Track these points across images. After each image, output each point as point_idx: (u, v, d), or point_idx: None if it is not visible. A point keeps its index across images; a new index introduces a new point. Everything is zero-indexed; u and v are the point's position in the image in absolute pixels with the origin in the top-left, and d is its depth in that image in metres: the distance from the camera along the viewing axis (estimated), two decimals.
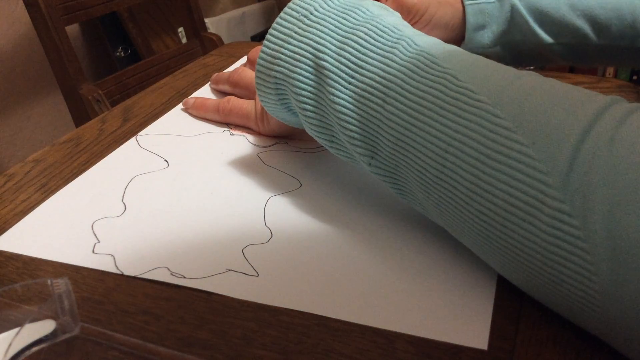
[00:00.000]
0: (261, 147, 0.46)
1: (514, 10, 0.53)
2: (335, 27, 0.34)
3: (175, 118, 0.52)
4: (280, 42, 0.35)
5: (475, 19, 0.54)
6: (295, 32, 0.35)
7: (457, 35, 0.55)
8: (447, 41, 0.56)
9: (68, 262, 0.34)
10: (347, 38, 0.33)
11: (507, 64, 0.57)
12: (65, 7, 1.04)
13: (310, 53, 0.34)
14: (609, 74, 1.77)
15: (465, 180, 0.27)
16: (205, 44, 1.34)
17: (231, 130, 0.49)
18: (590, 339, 0.27)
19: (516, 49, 0.56)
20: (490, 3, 0.54)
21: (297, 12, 0.35)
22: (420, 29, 0.53)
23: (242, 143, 0.47)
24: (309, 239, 0.35)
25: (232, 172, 0.43)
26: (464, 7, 0.54)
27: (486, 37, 0.55)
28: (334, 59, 0.33)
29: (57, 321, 0.28)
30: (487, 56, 0.57)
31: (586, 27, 0.52)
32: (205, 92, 0.58)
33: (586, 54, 0.55)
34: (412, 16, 0.53)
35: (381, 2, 0.57)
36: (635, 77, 1.76)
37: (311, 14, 0.35)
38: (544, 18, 0.53)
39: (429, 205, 0.31)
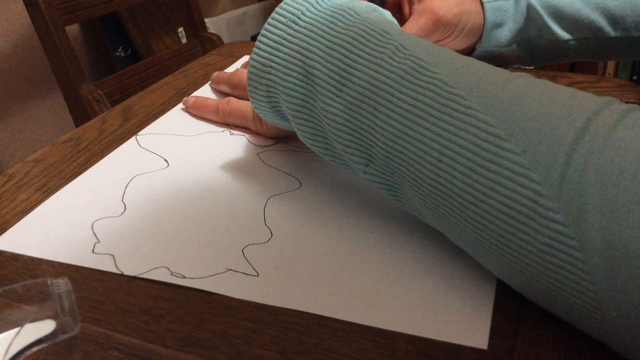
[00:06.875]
0: (261, 147, 0.46)
1: (529, 7, 0.53)
2: (324, 31, 0.33)
3: (175, 118, 0.52)
4: (270, 50, 0.35)
5: (494, 17, 0.53)
6: (285, 39, 0.34)
7: (478, 38, 0.55)
8: (471, 46, 0.56)
9: (68, 262, 0.34)
10: (335, 44, 0.32)
11: (524, 62, 0.55)
12: (65, 7, 1.04)
13: (300, 61, 0.33)
14: (609, 74, 1.77)
15: (459, 189, 0.27)
16: (205, 44, 1.34)
17: (231, 130, 0.49)
18: (590, 338, 0.27)
19: (533, 46, 0.56)
20: (507, 0, 0.53)
21: (285, 17, 0.35)
22: (452, 41, 0.53)
23: (242, 143, 0.47)
24: (308, 239, 0.35)
25: (232, 172, 0.43)
26: (483, 7, 0.54)
27: (503, 35, 0.54)
28: (324, 66, 0.32)
29: (57, 321, 0.28)
30: (504, 55, 0.56)
31: (601, 20, 0.52)
32: (205, 91, 0.58)
33: (603, 49, 0.54)
34: (447, 30, 0.52)
35: (409, 17, 0.56)
36: (635, 77, 1.76)
37: (299, 18, 0.34)
38: (558, 14, 0.53)
39: (426, 211, 0.30)
